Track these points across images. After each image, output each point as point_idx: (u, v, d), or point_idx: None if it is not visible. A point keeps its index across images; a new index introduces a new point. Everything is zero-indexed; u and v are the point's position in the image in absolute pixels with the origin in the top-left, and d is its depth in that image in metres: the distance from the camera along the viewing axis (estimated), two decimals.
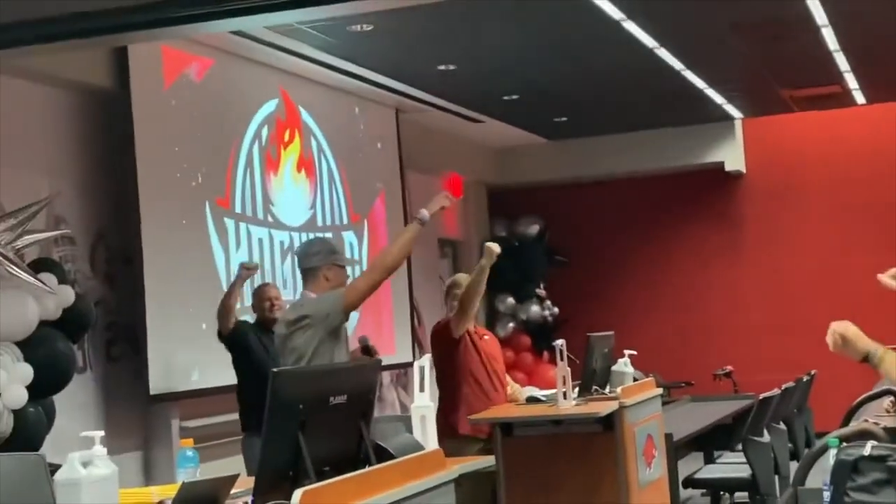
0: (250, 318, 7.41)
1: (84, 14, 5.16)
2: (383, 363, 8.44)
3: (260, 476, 3.19)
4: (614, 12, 8.24)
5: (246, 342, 7.09)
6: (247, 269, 7.21)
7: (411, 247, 5.48)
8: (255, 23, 6.71)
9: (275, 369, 3.26)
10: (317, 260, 5.46)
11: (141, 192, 7.63)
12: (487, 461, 4.83)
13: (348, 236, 10.33)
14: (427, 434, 4.15)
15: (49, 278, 6.02)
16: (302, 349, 5.28)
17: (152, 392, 7.59)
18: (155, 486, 3.77)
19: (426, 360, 4.36)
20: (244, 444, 7.04)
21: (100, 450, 3.22)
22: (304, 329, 5.30)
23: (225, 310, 7.12)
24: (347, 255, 10.25)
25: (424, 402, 4.24)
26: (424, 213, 5.44)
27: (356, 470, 3.31)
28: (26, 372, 5.77)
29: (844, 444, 3.19)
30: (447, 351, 6.53)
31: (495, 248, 6.39)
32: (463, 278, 6.79)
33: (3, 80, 6.96)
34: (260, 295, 7.30)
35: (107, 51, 7.57)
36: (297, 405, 3.22)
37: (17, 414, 5.73)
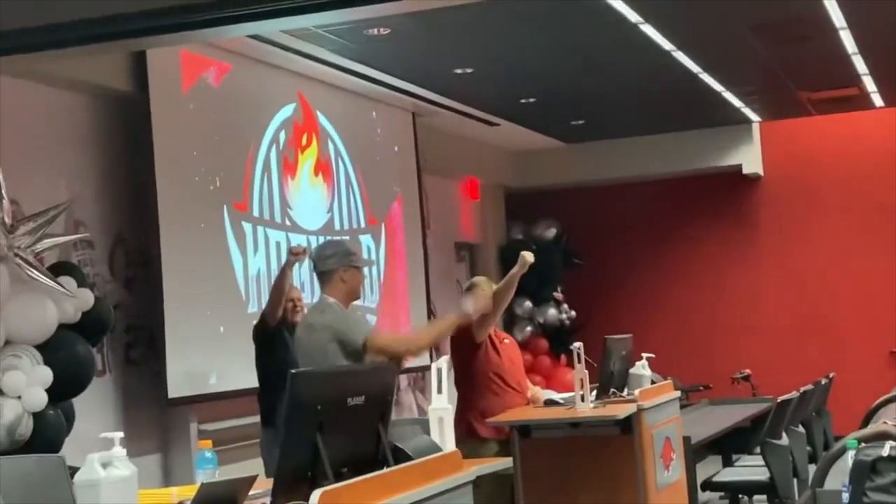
0: None
1: (102, 18, 5.19)
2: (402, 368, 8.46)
3: (278, 477, 3.20)
4: (631, 15, 8.23)
5: (284, 340, 7.01)
6: (294, 255, 6.98)
7: (447, 337, 5.75)
8: (272, 27, 6.73)
9: (293, 371, 3.27)
10: (332, 262, 5.51)
11: (159, 196, 7.65)
12: (505, 463, 4.84)
13: (365, 240, 10.35)
14: (444, 436, 4.15)
15: (68, 282, 6.04)
16: (318, 359, 5.32)
17: (171, 395, 7.61)
18: (174, 487, 3.78)
19: (443, 361, 4.36)
20: (263, 443, 7.02)
21: (119, 451, 3.24)
22: (323, 339, 5.35)
23: (277, 295, 7.04)
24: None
25: (442, 404, 4.25)
26: (470, 309, 5.71)
27: (374, 471, 3.32)
28: (46, 375, 5.79)
29: (863, 445, 3.18)
30: (468, 355, 6.53)
31: (529, 257, 6.23)
32: (482, 281, 6.78)
33: (23, 84, 7.00)
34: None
35: (125, 55, 7.60)
36: (315, 406, 3.23)
37: (37, 416, 5.76)
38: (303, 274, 9.20)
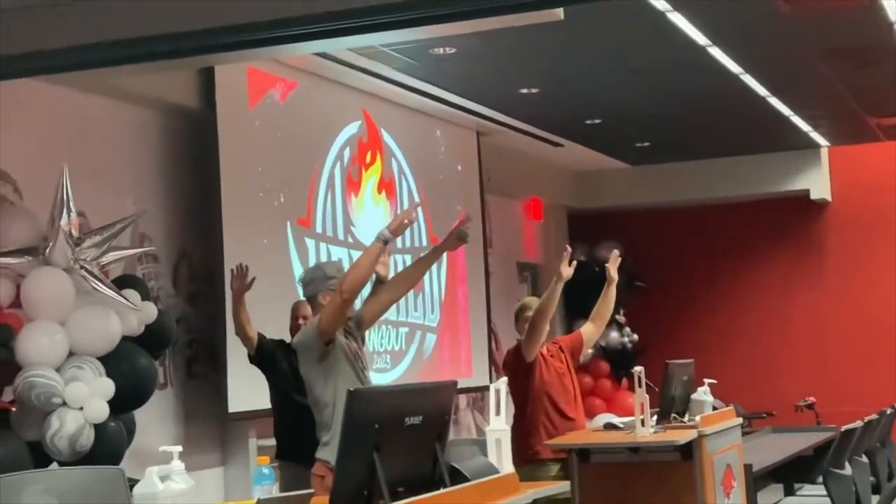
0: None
1: (171, 35, 5.24)
2: (460, 386, 8.43)
3: (335, 495, 3.20)
4: (700, 38, 8.18)
5: (272, 363, 6.67)
6: (234, 280, 6.54)
7: (371, 266, 5.21)
8: (338, 45, 6.77)
9: (350, 389, 3.27)
10: (311, 288, 5.42)
11: (224, 212, 7.70)
12: (563, 487, 4.81)
13: None
14: (502, 457, 4.13)
15: (132, 294, 6.10)
16: (309, 380, 5.27)
17: (231, 410, 7.64)
18: (231, 503, 3.80)
19: (502, 382, 4.34)
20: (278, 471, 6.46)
21: (178, 465, 3.26)
22: (301, 362, 5.30)
23: (237, 327, 6.67)
24: (426, 279, 10.26)
25: (500, 426, 4.22)
26: (386, 231, 5.17)
27: (430, 491, 3.31)
28: (108, 387, 5.84)
29: None
30: (521, 376, 6.52)
31: (566, 272, 6.44)
32: (532, 301, 6.78)
33: (93, 99, 7.10)
34: (293, 312, 6.83)
35: (193, 71, 7.68)
36: (372, 425, 3.23)
37: (99, 428, 5.81)
38: (364, 293, 9.22)
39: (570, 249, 6.60)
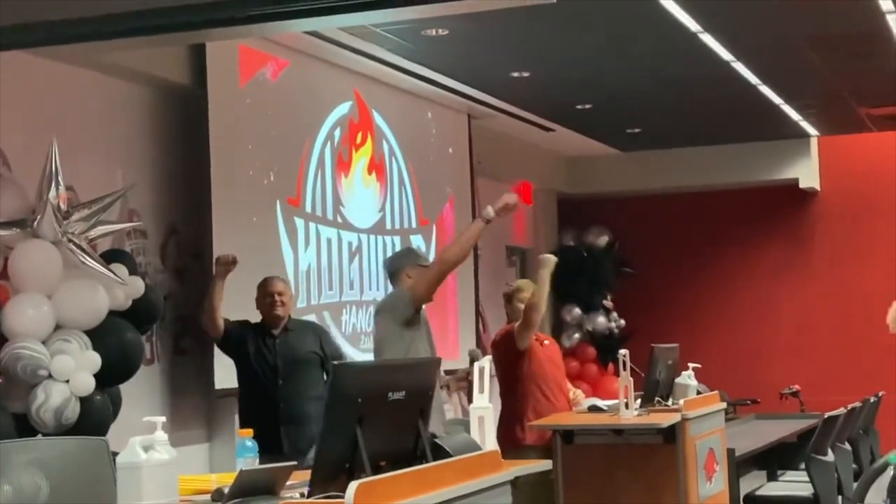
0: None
1: (161, 10, 5.24)
2: (447, 369, 8.44)
3: (316, 468, 3.22)
4: (691, 24, 8.19)
5: (241, 344, 6.71)
6: (222, 265, 6.66)
7: (473, 242, 5.84)
8: (329, 23, 6.76)
9: (335, 362, 3.29)
10: (397, 263, 6.07)
11: (213, 189, 7.69)
12: (544, 464, 4.82)
13: (416, 240, 10.36)
14: (485, 434, 4.15)
15: (120, 269, 6.10)
16: (377, 339, 5.89)
17: (217, 387, 7.65)
18: (214, 474, 3.81)
19: (487, 361, 4.37)
20: None
21: (161, 435, 3.27)
22: (378, 322, 5.90)
23: (209, 310, 6.68)
24: None
25: (483, 404, 4.25)
26: (490, 210, 5.65)
27: (412, 466, 3.33)
28: (94, 360, 5.85)
29: None
30: (511, 361, 6.55)
31: (552, 258, 6.83)
32: (526, 284, 6.80)
33: (84, 73, 7.09)
34: (262, 289, 6.80)
35: (185, 48, 7.66)
36: (355, 399, 3.25)
37: (84, 401, 5.82)
38: (352, 272, 9.25)
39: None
